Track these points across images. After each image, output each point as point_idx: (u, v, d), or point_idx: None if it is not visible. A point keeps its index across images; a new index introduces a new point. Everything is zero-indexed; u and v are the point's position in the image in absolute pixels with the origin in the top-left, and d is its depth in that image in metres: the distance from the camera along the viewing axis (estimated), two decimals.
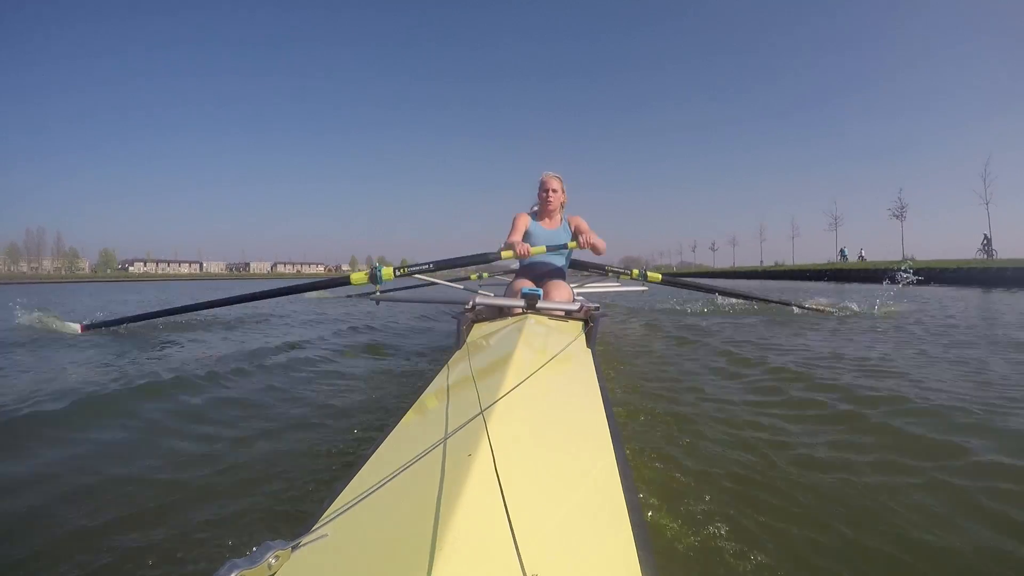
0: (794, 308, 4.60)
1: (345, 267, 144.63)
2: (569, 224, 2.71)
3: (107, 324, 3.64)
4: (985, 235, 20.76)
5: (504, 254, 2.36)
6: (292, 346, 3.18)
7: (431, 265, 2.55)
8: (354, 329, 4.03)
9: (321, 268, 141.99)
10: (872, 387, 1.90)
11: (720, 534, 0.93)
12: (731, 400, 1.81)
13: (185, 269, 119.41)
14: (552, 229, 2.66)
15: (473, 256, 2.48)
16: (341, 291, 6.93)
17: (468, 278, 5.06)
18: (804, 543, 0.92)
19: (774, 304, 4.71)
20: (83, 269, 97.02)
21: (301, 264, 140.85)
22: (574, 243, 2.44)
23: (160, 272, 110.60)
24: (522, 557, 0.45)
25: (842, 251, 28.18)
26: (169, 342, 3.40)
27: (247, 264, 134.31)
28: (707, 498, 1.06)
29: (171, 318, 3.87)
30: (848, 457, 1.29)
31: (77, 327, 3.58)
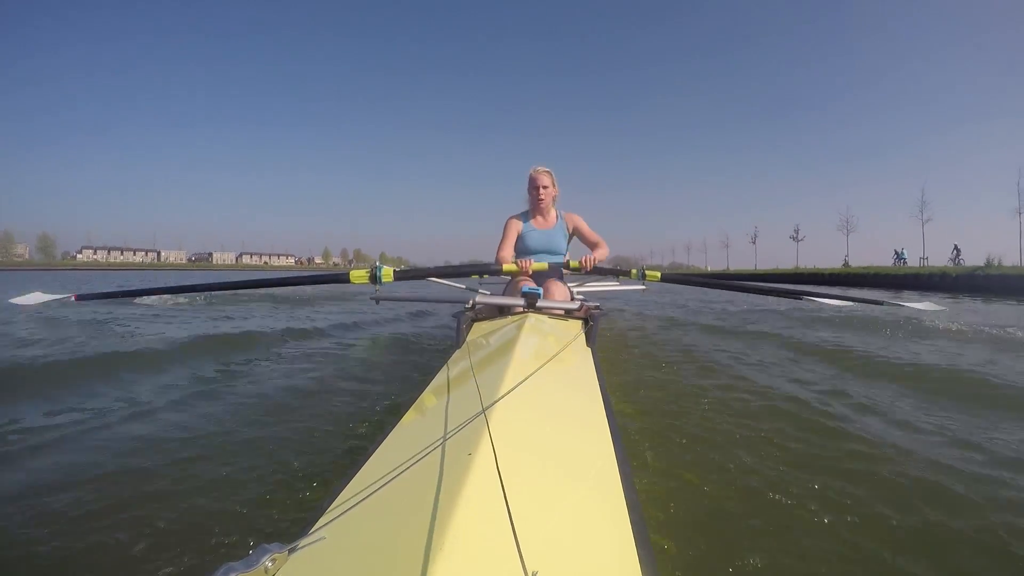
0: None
1: (318, 259, 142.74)
2: (566, 223, 2.68)
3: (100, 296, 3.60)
4: (955, 245, 22.33)
5: (506, 267, 2.34)
6: (284, 344, 3.17)
7: (431, 270, 2.61)
8: (354, 327, 4.05)
9: (291, 260, 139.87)
10: None
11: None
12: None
13: (140, 258, 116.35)
14: (547, 229, 2.63)
15: (474, 266, 2.56)
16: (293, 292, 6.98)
17: (468, 276, 5.13)
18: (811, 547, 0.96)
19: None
20: (22, 256, 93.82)
21: (268, 255, 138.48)
22: (576, 263, 2.39)
23: (112, 260, 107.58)
24: (523, 555, 0.46)
25: (899, 253, 25.79)
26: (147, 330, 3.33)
27: (210, 254, 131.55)
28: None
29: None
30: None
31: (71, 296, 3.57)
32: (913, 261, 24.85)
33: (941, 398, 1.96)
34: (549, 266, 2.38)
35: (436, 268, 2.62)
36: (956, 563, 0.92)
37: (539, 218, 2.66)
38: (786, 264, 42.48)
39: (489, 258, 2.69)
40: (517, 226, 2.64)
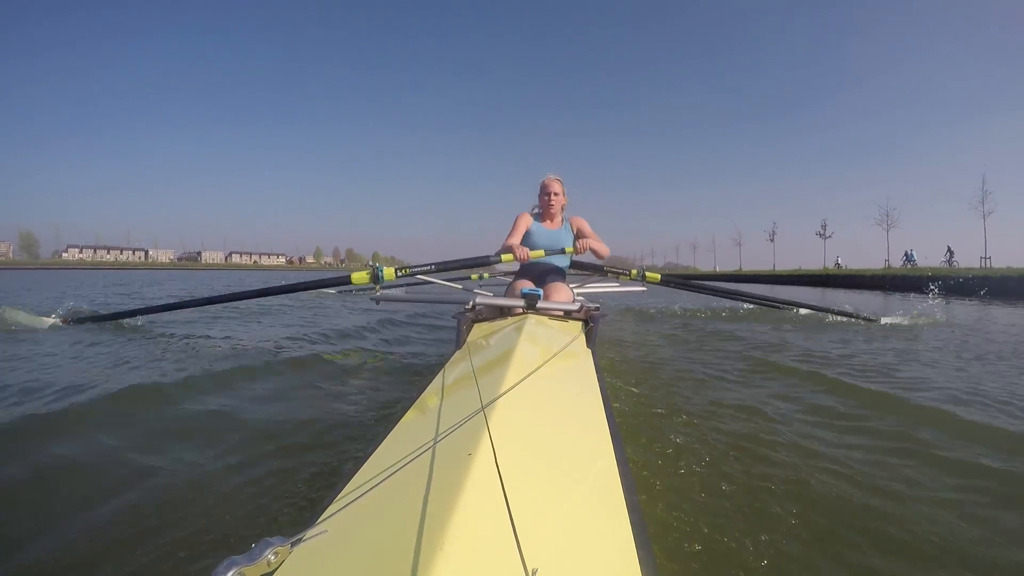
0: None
1: (310, 259, 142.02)
2: (571, 225, 2.91)
3: (94, 319, 3.76)
4: (948, 247, 22.55)
5: (504, 257, 2.50)
6: (288, 345, 3.17)
7: (432, 267, 2.68)
8: (354, 328, 4.07)
9: (282, 259, 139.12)
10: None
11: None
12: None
13: (127, 257, 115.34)
14: (554, 230, 2.85)
15: (473, 259, 2.63)
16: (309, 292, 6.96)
17: (468, 278, 5.30)
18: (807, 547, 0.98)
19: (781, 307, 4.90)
20: (4, 254, 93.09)
21: (259, 254, 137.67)
22: (572, 248, 2.59)
23: (99, 260, 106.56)
24: (523, 552, 0.47)
25: (907, 254, 25.01)
26: (162, 337, 3.33)
27: (198, 253, 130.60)
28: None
29: (158, 315, 3.95)
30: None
31: (53, 320, 3.70)
32: (972, 262, 22.92)
33: None
34: (546, 253, 2.57)
35: (437, 264, 2.69)
36: None
37: (547, 221, 2.89)
38: (811, 264, 36.94)
39: (487, 254, 2.74)
40: (527, 221, 2.83)
